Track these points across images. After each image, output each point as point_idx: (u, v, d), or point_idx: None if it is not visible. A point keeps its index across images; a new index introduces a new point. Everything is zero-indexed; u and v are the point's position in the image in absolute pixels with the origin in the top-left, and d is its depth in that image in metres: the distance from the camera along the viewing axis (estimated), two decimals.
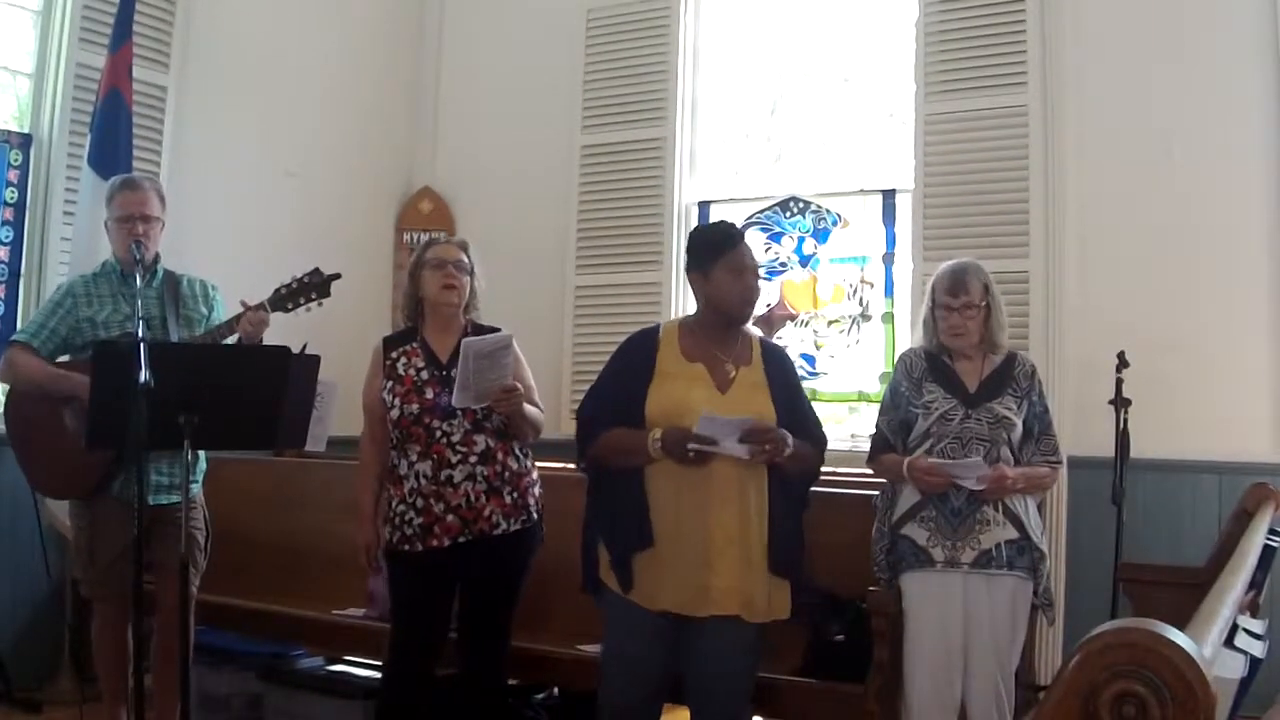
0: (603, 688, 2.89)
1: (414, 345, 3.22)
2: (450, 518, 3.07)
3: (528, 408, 3.14)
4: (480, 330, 3.21)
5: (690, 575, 2.75)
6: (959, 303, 3.03)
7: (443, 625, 3.17)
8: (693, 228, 3.06)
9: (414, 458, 3.11)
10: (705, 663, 2.81)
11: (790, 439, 2.77)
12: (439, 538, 3.07)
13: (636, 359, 2.91)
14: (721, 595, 2.74)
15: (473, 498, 3.09)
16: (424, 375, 3.16)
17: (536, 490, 3.24)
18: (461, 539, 3.08)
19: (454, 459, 3.09)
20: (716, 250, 2.88)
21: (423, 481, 3.09)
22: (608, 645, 2.90)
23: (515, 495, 3.15)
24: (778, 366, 2.96)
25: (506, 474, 3.14)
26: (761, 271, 3.05)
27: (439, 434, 3.09)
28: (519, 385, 3.08)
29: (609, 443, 2.84)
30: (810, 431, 2.93)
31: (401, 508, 3.12)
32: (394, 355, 3.21)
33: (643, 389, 2.83)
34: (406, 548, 3.11)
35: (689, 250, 2.97)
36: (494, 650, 3.20)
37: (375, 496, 3.22)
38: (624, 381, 2.88)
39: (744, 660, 2.82)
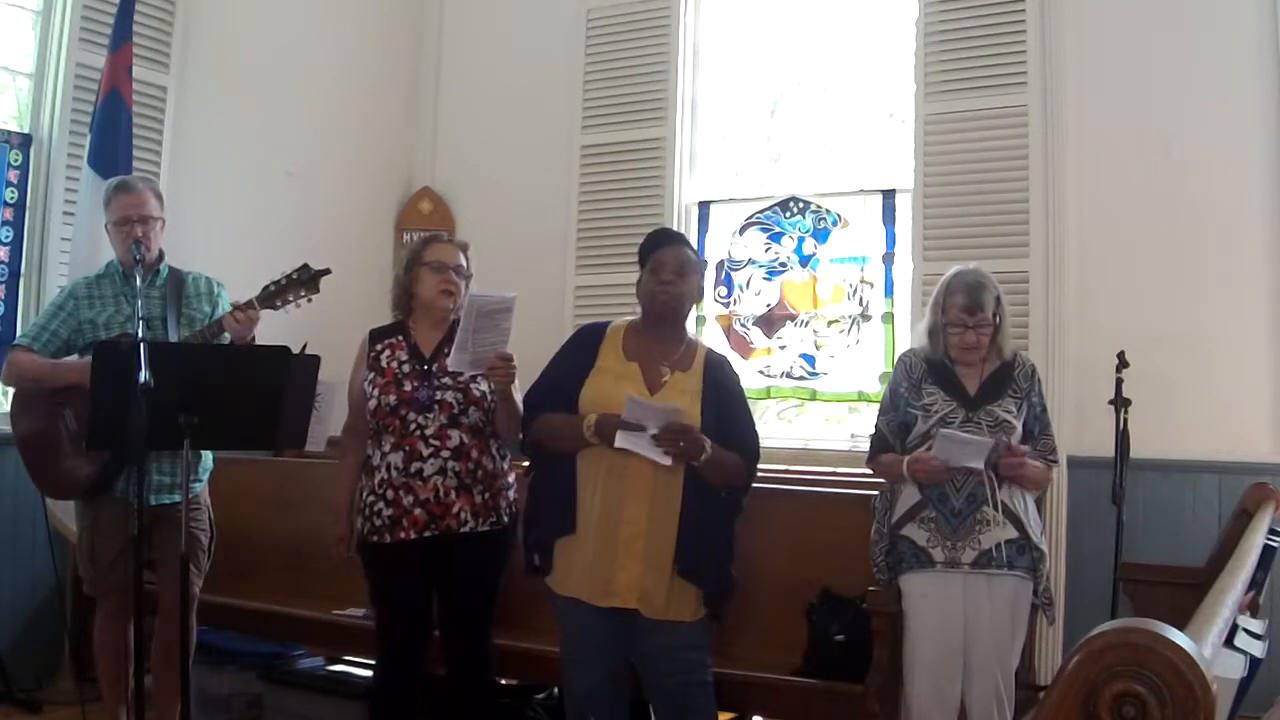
0: (562, 675, 2.99)
1: (399, 339, 3.21)
2: (418, 511, 3.05)
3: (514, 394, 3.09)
4: None
5: (598, 565, 2.83)
6: (974, 320, 2.99)
7: (422, 619, 3.15)
8: None
9: (387, 449, 3.09)
10: (650, 659, 2.88)
11: (709, 444, 2.81)
12: (406, 530, 3.05)
13: (580, 352, 3.02)
14: (621, 588, 2.82)
15: (442, 493, 3.06)
16: (405, 368, 3.15)
17: (510, 494, 3.21)
18: (427, 533, 3.06)
19: (426, 452, 3.06)
20: (645, 251, 3.02)
21: (393, 473, 3.07)
22: (560, 633, 3.00)
23: (486, 495, 3.12)
24: (716, 376, 3.01)
25: (480, 472, 3.11)
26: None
27: (413, 426, 3.08)
28: (513, 356, 3.02)
29: (547, 426, 2.94)
30: (741, 443, 2.95)
31: (371, 499, 3.11)
32: (379, 348, 3.21)
33: (580, 380, 2.94)
34: (375, 539, 3.10)
35: None
36: (475, 651, 3.19)
37: (352, 489, 3.20)
38: (566, 371, 3.00)
39: (690, 655, 2.86)
